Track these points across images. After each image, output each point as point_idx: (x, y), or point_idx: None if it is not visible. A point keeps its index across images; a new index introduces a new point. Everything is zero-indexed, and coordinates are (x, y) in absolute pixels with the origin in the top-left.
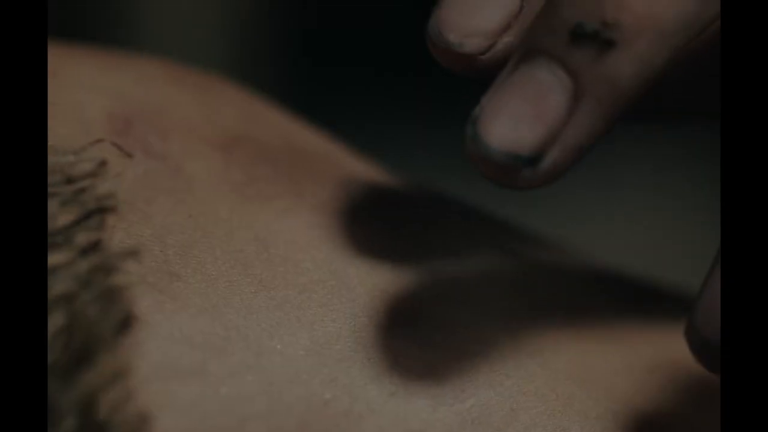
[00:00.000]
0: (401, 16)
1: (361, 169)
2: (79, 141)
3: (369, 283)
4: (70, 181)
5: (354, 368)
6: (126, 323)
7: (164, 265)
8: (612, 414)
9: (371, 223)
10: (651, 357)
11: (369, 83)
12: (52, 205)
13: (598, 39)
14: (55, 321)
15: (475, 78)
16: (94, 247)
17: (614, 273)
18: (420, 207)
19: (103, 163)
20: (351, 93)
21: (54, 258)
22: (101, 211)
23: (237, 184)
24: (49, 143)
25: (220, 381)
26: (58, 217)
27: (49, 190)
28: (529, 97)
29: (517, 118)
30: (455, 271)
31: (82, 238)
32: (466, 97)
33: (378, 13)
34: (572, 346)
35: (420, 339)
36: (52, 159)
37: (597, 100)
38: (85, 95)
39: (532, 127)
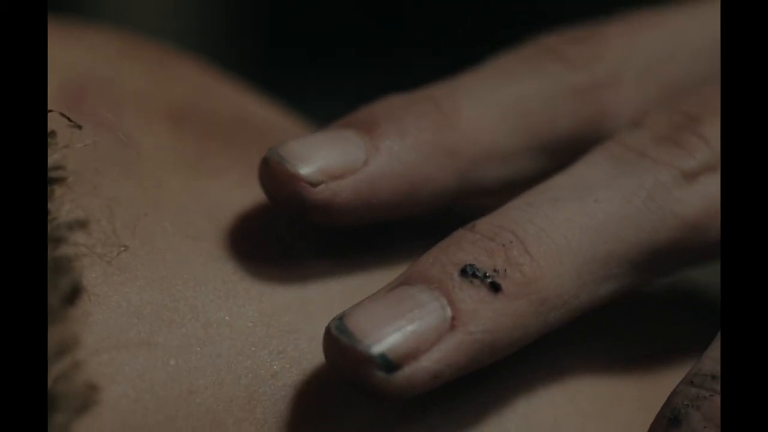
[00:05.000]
0: None
1: None
2: None
3: (319, 255)
4: None
5: (302, 340)
6: (74, 294)
7: (112, 237)
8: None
9: None
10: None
11: (327, 61)
12: None
13: (486, 282)
14: None
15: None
16: None
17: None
18: None
19: (51, 134)
20: (308, 69)
21: None
22: (49, 182)
23: (188, 157)
24: None
25: (168, 352)
26: None
27: None
28: (405, 312)
29: (387, 322)
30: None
31: None
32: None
33: None
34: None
35: None
36: None
37: (468, 336)
38: None
39: (399, 334)
